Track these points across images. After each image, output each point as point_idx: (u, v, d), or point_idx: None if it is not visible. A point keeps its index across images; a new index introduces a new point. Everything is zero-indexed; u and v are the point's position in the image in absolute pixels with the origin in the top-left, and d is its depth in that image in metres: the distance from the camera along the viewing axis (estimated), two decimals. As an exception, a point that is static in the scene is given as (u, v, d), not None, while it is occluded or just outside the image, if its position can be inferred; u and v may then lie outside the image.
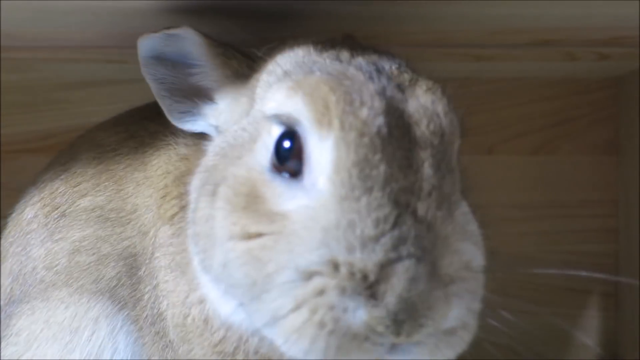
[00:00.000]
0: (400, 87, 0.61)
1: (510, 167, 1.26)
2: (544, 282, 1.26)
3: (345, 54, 0.66)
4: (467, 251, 0.57)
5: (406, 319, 0.52)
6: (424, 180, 0.56)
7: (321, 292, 0.53)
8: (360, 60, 0.64)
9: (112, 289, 0.78)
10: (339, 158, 0.55)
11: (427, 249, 0.53)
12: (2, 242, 0.90)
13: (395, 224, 0.53)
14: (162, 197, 0.77)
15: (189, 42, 0.74)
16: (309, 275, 0.54)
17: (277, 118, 0.62)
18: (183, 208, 0.74)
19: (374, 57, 0.66)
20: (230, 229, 0.60)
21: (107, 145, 0.85)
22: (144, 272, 0.77)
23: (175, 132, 0.81)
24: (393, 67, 0.64)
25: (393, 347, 0.55)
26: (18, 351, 0.80)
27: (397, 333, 0.53)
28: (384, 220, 0.53)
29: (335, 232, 0.54)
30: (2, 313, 0.84)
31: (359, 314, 0.53)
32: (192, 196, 0.70)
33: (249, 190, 0.61)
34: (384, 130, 0.56)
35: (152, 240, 0.77)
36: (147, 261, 0.77)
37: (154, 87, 0.76)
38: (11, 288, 0.84)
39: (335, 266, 0.53)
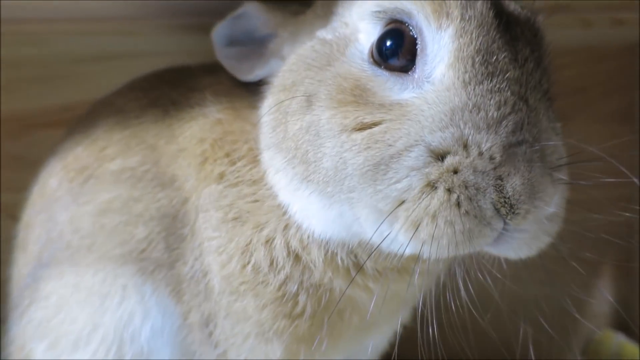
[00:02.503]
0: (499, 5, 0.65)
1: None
2: (555, 252, 1.25)
3: None
4: (558, 150, 0.61)
5: (526, 199, 0.56)
6: (530, 74, 0.61)
7: (455, 171, 0.57)
8: None
9: (141, 251, 0.79)
10: (461, 46, 0.60)
11: (536, 136, 0.58)
12: (28, 212, 0.92)
13: (513, 109, 0.58)
14: (200, 164, 0.79)
15: (252, 16, 0.79)
16: (441, 155, 0.57)
17: (382, 14, 0.65)
18: (234, 163, 0.77)
19: None
20: (341, 123, 0.63)
21: (129, 111, 0.87)
22: (187, 231, 0.79)
23: (201, 102, 0.82)
24: None
25: (498, 238, 0.59)
26: (47, 315, 0.81)
27: (517, 213, 0.57)
28: (504, 104, 0.58)
29: (462, 113, 0.58)
30: (30, 277, 0.86)
31: (489, 194, 0.56)
32: (268, 118, 0.72)
33: (353, 85, 0.64)
34: (497, 22, 0.61)
35: (195, 203, 0.78)
36: (192, 222, 0.78)
37: (225, 63, 0.81)
38: (39, 252, 0.85)
39: (465, 145, 0.57)
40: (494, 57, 0.59)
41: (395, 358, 0.91)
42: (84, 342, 0.79)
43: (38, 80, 1.30)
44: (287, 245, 0.72)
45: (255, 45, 0.79)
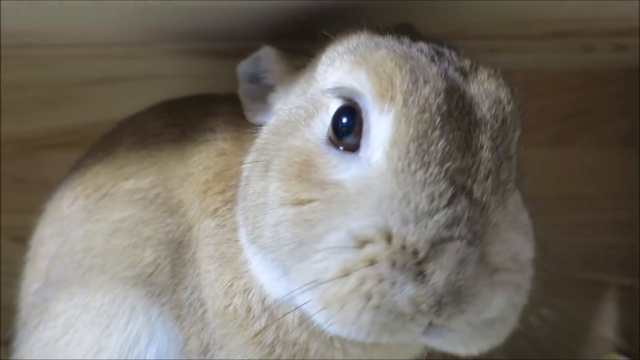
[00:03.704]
0: (462, 71, 0.63)
1: (528, 159, 1.25)
2: (560, 274, 1.25)
3: (406, 39, 0.67)
4: (516, 242, 0.57)
5: (450, 301, 0.52)
6: (482, 163, 0.56)
7: (372, 262, 0.53)
8: (421, 44, 0.66)
9: (149, 275, 0.79)
10: (399, 132, 0.56)
11: (478, 233, 0.53)
12: (40, 226, 0.93)
13: (450, 202, 0.53)
14: (203, 192, 0.79)
15: (267, 58, 0.79)
16: (361, 243, 0.54)
17: (338, 91, 0.64)
18: (226, 203, 0.76)
19: (434, 43, 0.67)
20: (282, 196, 0.62)
21: (150, 130, 0.87)
22: (189, 258, 0.79)
23: (213, 128, 0.83)
24: (453, 54, 0.66)
25: (428, 329, 0.55)
26: (55, 335, 0.81)
27: (439, 314, 0.52)
28: (439, 197, 0.53)
29: (391, 202, 0.54)
30: (39, 295, 0.86)
31: (406, 290, 0.52)
32: (244, 174, 0.72)
33: (303, 160, 0.62)
34: (445, 108, 0.57)
35: (197, 233, 0.78)
36: (193, 250, 0.78)
37: (242, 99, 0.81)
38: (48, 270, 0.86)
39: (388, 237, 0.53)
40: (433, 146, 0.55)
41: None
42: None
43: (40, 103, 1.31)
44: (263, 300, 0.71)
45: (265, 91, 0.80)
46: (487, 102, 0.59)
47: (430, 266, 0.52)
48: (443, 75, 0.59)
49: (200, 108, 0.86)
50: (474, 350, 0.57)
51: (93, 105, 1.29)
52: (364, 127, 0.60)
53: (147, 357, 0.78)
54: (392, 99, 0.58)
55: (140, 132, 0.88)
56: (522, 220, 0.61)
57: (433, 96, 0.57)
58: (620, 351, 1.23)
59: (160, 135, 0.86)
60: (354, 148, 0.60)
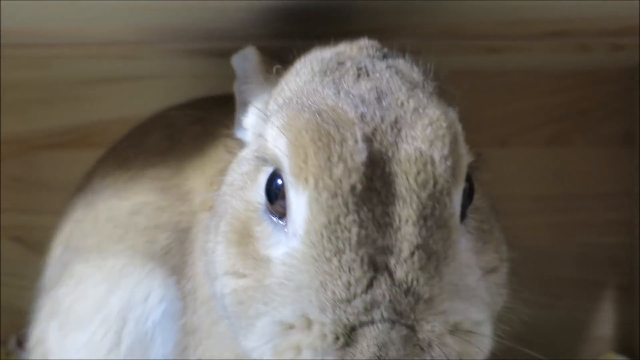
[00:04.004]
0: (397, 124, 0.55)
1: (525, 159, 1.26)
2: (558, 274, 1.26)
3: (350, 77, 0.61)
4: (457, 311, 0.52)
5: None
6: (405, 240, 0.51)
7: (297, 348, 0.52)
8: (363, 86, 0.60)
9: (162, 255, 0.82)
10: (311, 218, 0.53)
11: (404, 312, 0.50)
12: (73, 195, 0.98)
13: (369, 287, 0.50)
14: (209, 184, 0.79)
15: (250, 59, 0.76)
16: (287, 327, 0.53)
17: (269, 156, 0.59)
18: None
19: (385, 77, 0.61)
20: (225, 265, 0.61)
21: (177, 126, 0.91)
22: (190, 246, 0.80)
23: (228, 125, 0.82)
24: (400, 92, 0.59)
25: None
26: (67, 291, 0.85)
27: None
28: (355, 283, 0.50)
29: (308, 291, 0.52)
30: (59, 260, 0.91)
31: None
32: (214, 211, 0.70)
33: (242, 228, 0.60)
34: (360, 188, 0.52)
35: (197, 222, 0.80)
36: (192, 239, 0.80)
37: (235, 96, 0.79)
38: (70, 233, 0.90)
39: (309, 324, 0.52)
40: (346, 232, 0.51)
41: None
42: (87, 321, 0.81)
43: (40, 102, 1.31)
44: None
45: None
46: (415, 168, 0.53)
47: (351, 352, 0.50)
48: (367, 140, 0.53)
49: (225, 105, 0.87)
50: None
51: (92, 105, 1.30)
52: (287, 201, 0.56)
53: (151, 317, 0.79)
54: (305, 180, 0.54)
55: (170, 128, 0.92)
56: (467, 285, 0.54)
57: (347, 177, 0.52)
58: (618, 350, 1.23)
59: (185, 131, 0.90)
60: (284, 216, 0.57)
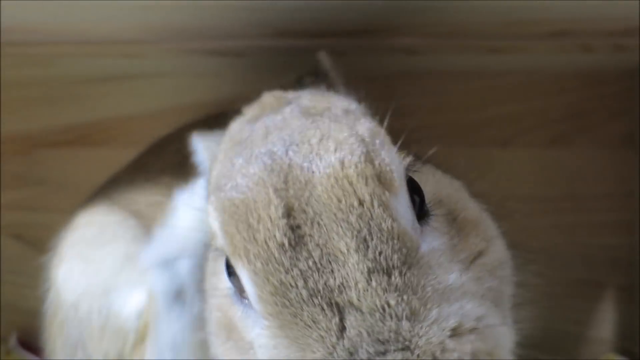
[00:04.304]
0: (307, 161, 0.53)
1: (526, 160, 1.26)
2: (559, 274, 1.26)
3: (258, 138, 0.59)
4: (450, 314, 0.49)
5: None
6: (356, 270, 0.48)
7: None
8: (270, 141, 0.57)
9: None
10: (259, 292, 0.51)
11: (390, 339, 0.47)
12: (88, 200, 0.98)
13: (342, 331, 0.47)
14: None
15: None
16: None
17: (217, 244, 0.57)
18: None
19: (290, 121, 0.60)
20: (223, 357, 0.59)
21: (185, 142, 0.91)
22: None
23: None
24: (305, 129, 0.57)
25: None
26: (66, 236, 0.89)
27: None
28: (327, 334, 0.48)
29: (282, 351, 0.49)
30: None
31: None
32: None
33: (225, 318, 0.59)
34: (287, 242, 0.50)
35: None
36: None
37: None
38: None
39: None
40: (294, 290, 0.49)
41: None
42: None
43: (42, 101, 1.31)
44: None
45: None
46: (334, 195, 0.50)
47: None
48: (280, 190, 0.52)
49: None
50: None
51: (94, 104, 1.29)
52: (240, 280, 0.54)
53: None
54: (239, 257, 0.52)
55: (181, 141, 0.87)
56: (449, 284, 0.51)
57: (270, 237, 0.50)
58: (619, 352, 1.23)
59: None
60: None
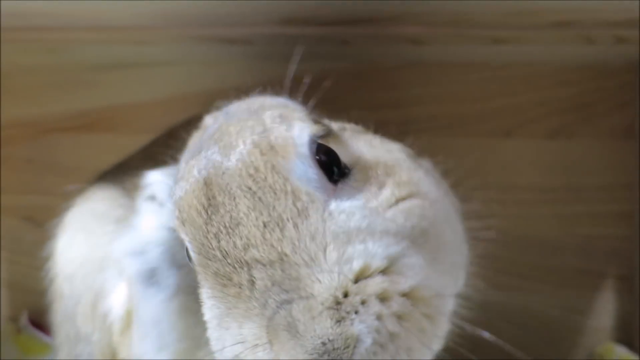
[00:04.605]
0: (223, 148, 0.60)
1: (528, 150, 1.27)
2: (559, 264, 1.27)
3: (205, 142, 0.65)
4: (354, 256, 0.51)
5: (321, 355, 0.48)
6: (253, 226, 0.53)
7: None
8: (208, 140, 0.63)
9: None
10: (193, 255, 0.59)
11: (292, 287, 0.49)
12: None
13: (252, 285, 0.51)
14: None
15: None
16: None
17: None
18: None
19: (221, 126, 0.65)
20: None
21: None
22: None
23: None
24: (228, 126, 0.63)
25: None
26: (72, 208, 0.95)
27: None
28: (241, 289, 0.52)
29: (217, 312, 0.56)
30: None
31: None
32: None
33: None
34: (205, 211, 0.57)
35: None
36: None
37: None
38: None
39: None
40: (210, 253, 0.55)
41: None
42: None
43: (52, 87, 1.34)
44: None
45: None
46: (239, 170, 0.57)
47: (275, 347, 0.50)
48: (199, 172, 0.59)
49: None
50: None
51: (104, 90, 1.32)
52: None
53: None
54: (182, 227, 0.60)
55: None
56: (356, 226, 0.53)
57: (192, 207, 0.58)
58: (617, 341, 1.25)
59: None
60: None
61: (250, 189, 0.55)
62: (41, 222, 1.31)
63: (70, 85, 1.32)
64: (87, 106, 1.33)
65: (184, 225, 0.58)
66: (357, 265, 0.50)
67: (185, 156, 0.68)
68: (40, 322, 1.27)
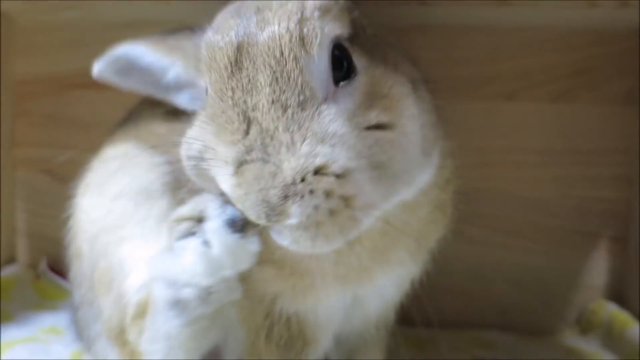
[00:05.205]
0: (261, 18, 0.69)
1: (530, 114, 1.30)
2: (557, 224, 1.31)
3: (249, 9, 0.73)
4: (319, 154, 0.63)
5: (263, 213, 0.63)
6: (264, 98, 0.65)
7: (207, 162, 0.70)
8: (249, 6, 0.72)
9: (172, 188, 0.90)
10: (210, 92, 0.70)
11: (271, 154, 0.63)
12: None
13: (245, 134, 0.65)
14: None
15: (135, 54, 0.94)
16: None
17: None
18: None
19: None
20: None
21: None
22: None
23: None
24: (272, 6, 0.71)
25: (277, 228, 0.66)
26: (92, 167, 1.00)
27: (266, 220, 0.63)
28: (236, 131, 0.65)
29: (211, 129, 0.68)
30: None
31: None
32: None
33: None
34: (230, 67, 0.68)
35: None
36: None
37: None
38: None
39: (214, 152, 0.67)
40: (225, 98, 0.67)
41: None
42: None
43: (72, 44, 1.39)
44: None
45: None
46: (266, 45, 0.67)
47: (238, 179, 0.64)
48: (238, 33, 0.69)
49: None
50: (303, 249, 0.65)
51: (121, 48, 1.36)
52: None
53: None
54: (207, 71, 0.71)
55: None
56: (333, 132, 0.64)
57: (222, 60, 0.69)
58: (609, 298, 1.29)
59: None
60: None
61: (271, 67, 0.66)
62: (60, 176, 1.38)
63: (87, 43, 1.36)
64: (104, 63, 1.37)
65: (209, 70, 0.70)
66: (319, 161, 0.63)
67: (225, 11, 0.76)
68: (58, 268, 1.34)
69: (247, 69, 0.67)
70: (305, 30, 0.67)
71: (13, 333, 1.15)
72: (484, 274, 1.33)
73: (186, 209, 0.76)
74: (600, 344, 1.22)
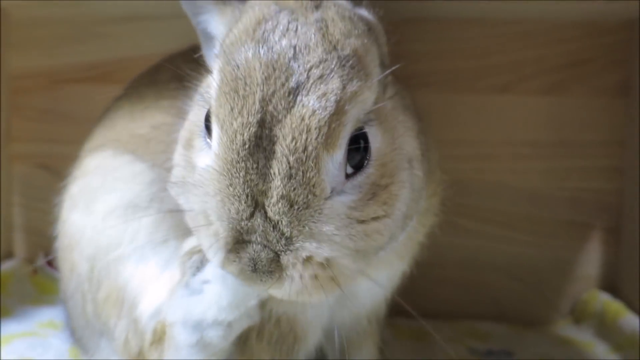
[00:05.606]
0: (296, 91, 0.64)
1: (523, 106, 1.31)
2: (550, 216, 1.32)
3: (276, 33, 0.68)
4: (308, 249, 0.64)
5: (250, 285, 0.67)
6: (275, 190, 0.64)
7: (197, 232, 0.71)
8: (284, 43, 0.67)
9: (159, 197, 0.89)
10: (218, 152, 0.66)
11: (271, 242, 0.64)
12: (92, 130, 1.05)
13: (251, 217, 0.64)
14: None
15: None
16: (196, 214, 0.69)
17: (208, 94, 0.71)
18: None
19: (308, 34, 0.67)
20: (175, 158, 0.76)
21: (182, 68, 0.96)
22: None
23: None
24: (315, 55, 0.66)
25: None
26: (76, 176, 0.97)
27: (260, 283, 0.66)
28: (242, 211, 0.64)
29: (212, 200, 0.66)
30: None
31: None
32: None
33: (189, 135, 0.75)
34: (249, 144, 0.64)
35: None
36: None
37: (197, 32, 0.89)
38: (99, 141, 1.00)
39: (209, 222, 0.67)
40: (237, 174, 0.64)
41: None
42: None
43: (66, 39, 1.39)
44: None
45: None
46: (291, 135, 0.63)
47: (232, 256, 0.65)
48: (263, 101, 0.64)
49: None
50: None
51: (116, 43, 1.37)
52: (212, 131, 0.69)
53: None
54: (217, 118, 0.67)
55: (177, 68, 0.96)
56: (324, 230, 0.65)
57: (241, 132, 0.64)
58: (602, 289, 1.31)
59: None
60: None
61: (288, 159, 0.63)
62: (56, 170, 1.38)
63: (83, 38, 1.37)
64: (99, 58, 1.37)
65: (221, 123, 0.65)
66: (305, 254, 0.65)
67: (252, 14, 0.71)
68: (54, 263, 1.33)
69: (265, 149, 0.64)
70: (333, 126, 0.64)
71: (11, 327, 1.16)
72: (478, 265, 1.35)
73: (194, 242, 0.76)
74: (594, 333, 1.23)
